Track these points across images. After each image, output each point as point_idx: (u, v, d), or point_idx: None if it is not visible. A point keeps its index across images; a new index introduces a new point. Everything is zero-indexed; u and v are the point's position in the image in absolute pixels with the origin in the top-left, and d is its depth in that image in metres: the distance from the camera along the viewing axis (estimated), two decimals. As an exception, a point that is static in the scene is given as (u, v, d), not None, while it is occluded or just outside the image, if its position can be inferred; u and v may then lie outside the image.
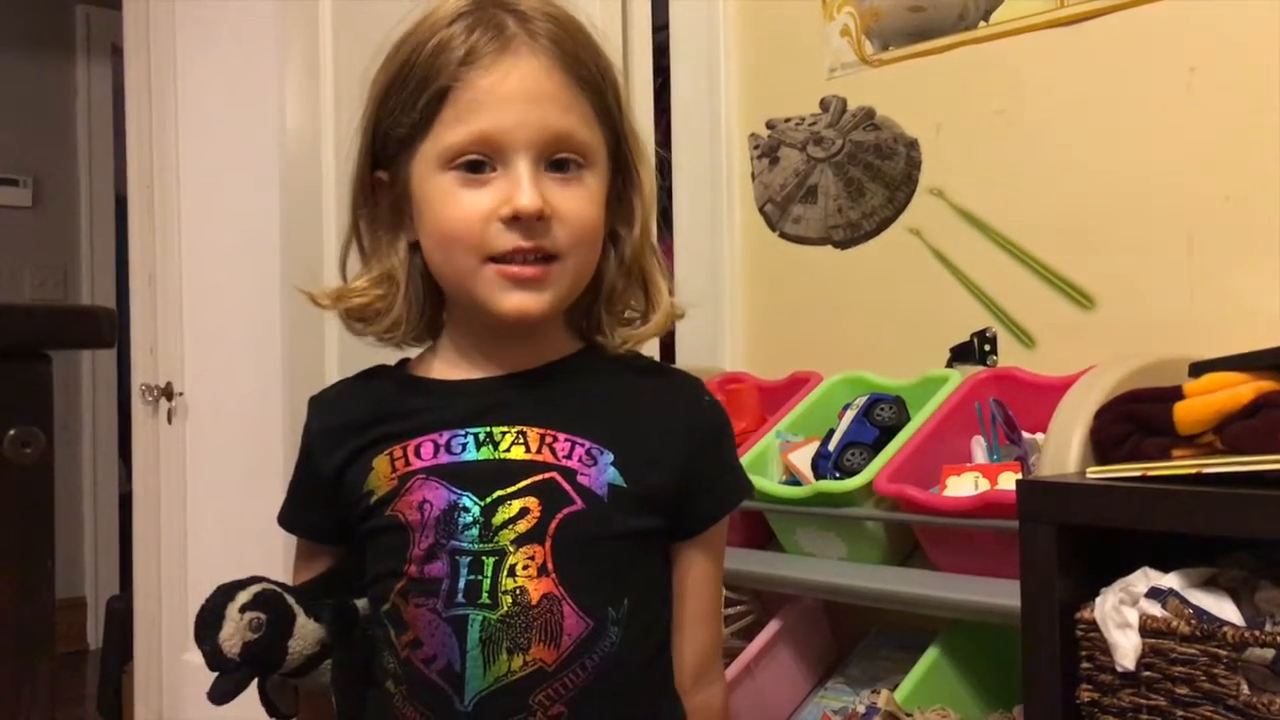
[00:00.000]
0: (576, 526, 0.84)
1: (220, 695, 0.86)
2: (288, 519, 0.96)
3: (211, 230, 2.74)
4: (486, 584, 0.83)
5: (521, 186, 0.82)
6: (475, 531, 0.84)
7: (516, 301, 0.84)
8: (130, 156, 2.95)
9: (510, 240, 0.83)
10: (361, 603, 0.91)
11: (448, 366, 0.91)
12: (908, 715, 1.22)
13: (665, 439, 0.89)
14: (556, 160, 0.84)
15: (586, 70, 0.86)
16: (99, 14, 3.96)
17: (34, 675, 0.57)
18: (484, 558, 0.83)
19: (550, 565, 0.83)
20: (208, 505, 2.73)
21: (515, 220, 0.82)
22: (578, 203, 0.85)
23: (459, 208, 0.84)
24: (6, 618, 0.57)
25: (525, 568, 0.83)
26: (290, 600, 0.88)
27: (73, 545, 3.89)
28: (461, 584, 0.83)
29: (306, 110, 2.24)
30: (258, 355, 2.46)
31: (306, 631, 0.88)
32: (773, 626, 1.43)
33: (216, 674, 0.86)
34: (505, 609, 0.82)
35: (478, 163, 0.83)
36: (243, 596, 0.87)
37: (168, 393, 2.81)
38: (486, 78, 0.83)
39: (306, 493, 0.94)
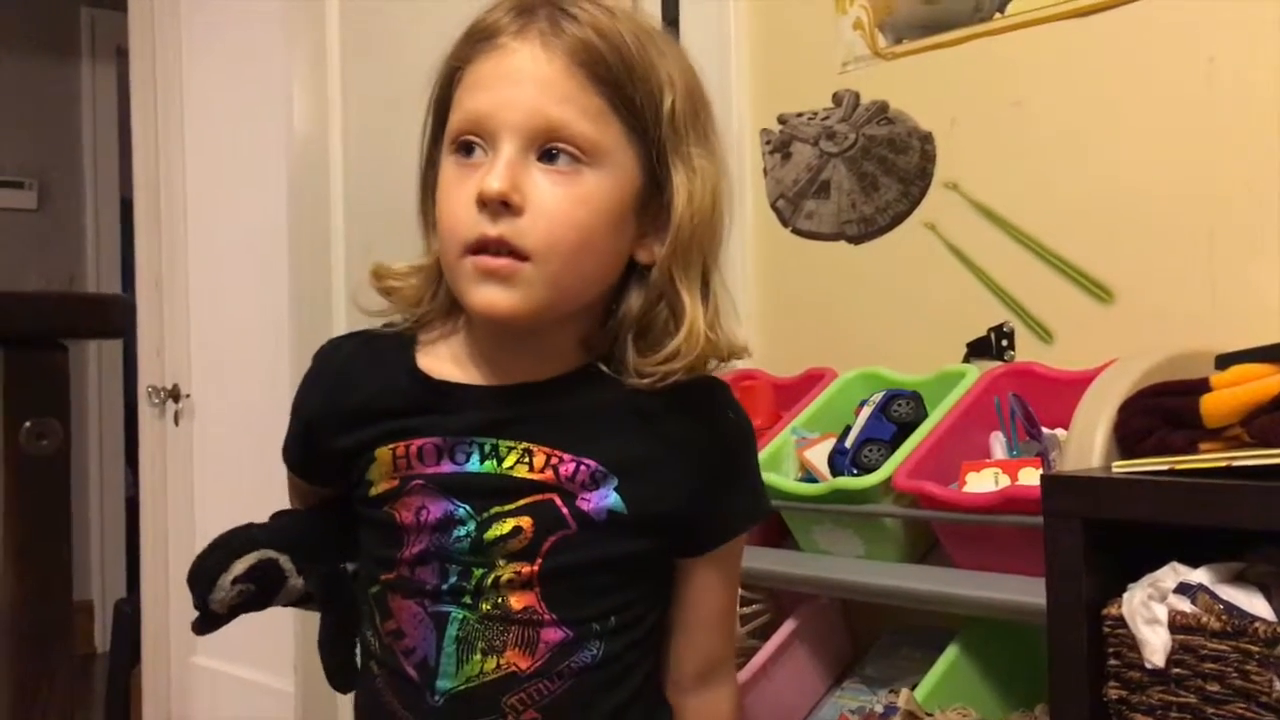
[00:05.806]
0: (568, 551, 0.83)
1: (203, 631, 0.94)
2: (292, 461, 0.95)
3: (218, 232, 2.73)
4: (471, 587, 0.83)
5: (495, 169, 0.78)
6: (467, 544, 0.83)
7: (483, 296, 0.79)
8: (136, 159, 2.94)
9: (480, 228, 0.78)
10: (354, 567, 0.94)
11: (457, 366, 0.87)
12: (928, 715, 1.20)
13: (677, 464, 0.86)
14: (548, 152, 0.79)
15: (606, 68, 0.80)
16: (104, 16, 3.96)
17: (51, 667, 0.56)
18: (473, 568, 0.84)
19: (536, 583, 0.83)
20: (215, 507, 2.73)
21: (484, 205, 0.78)
22: (562, 200, 0.79)
23: (448, 194, 0.81)
24: (23, 610, 0.56)
25: (511, 581, 0.83)
26: (283, 563, 0.92)
27: (80, 548, 3.89)
28: (447, 586, 0.84)
29: (314, 112, 2.23)
30: (265, 357, 2.45)
31: (293, 590, 0.94)
32: (789, 626, 1.41)
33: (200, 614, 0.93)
34: (484, 611, 0.83)
35: (470, 145, 0.80)
36: (238, 567, 0.91)
37: (174, 395, 2.81)
38: (490, 60, 0.80)
39: (304, 452, 0.93)
